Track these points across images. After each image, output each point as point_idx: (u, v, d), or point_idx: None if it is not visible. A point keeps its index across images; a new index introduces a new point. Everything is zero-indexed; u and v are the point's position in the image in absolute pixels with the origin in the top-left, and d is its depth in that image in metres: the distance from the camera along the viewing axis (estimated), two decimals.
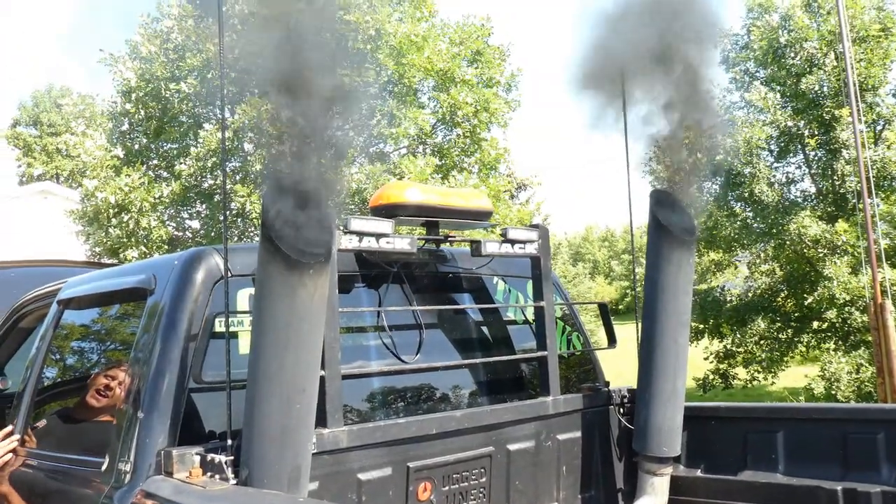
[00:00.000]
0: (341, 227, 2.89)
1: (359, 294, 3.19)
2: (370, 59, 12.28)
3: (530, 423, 3.39)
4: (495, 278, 3.68)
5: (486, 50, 14.59)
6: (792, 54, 16.10)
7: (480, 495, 3.22)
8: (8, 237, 19.86)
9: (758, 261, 18.22)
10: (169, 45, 12.53)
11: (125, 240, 12.63)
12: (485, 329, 3.65)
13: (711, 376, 17.96)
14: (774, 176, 16.95)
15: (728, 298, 17.38)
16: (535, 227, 3.52)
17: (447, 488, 3.10)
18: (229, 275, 2.61)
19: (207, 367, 2.59)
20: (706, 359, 18.14)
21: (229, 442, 2.41)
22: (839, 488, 3.10)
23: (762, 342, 17.14)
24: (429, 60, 12.62)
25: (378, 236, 2.97)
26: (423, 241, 3.32)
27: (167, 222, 13.19)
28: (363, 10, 12.06)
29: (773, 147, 16.86)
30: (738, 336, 17.11)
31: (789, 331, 17.09)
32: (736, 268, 18.49)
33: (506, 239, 3.40)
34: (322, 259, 2.27)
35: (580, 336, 3.96)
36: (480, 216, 3.43)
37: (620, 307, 55.38)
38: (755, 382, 17.74)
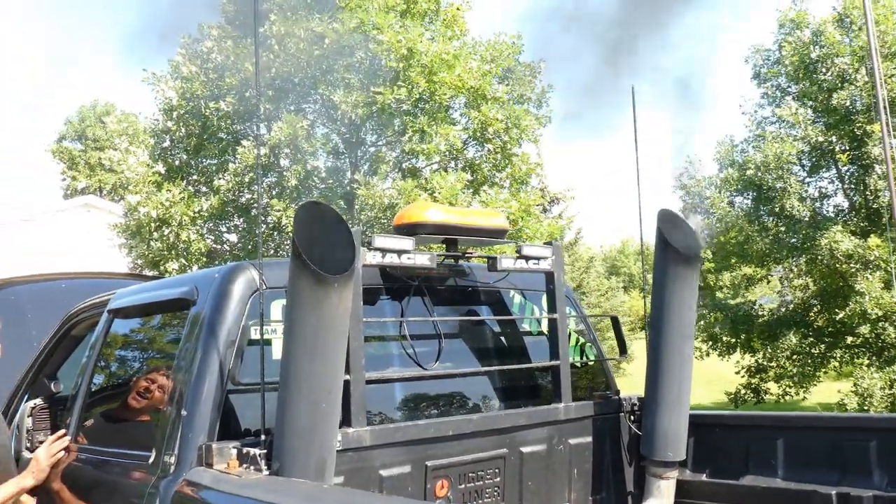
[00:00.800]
0: (366, 245, 3.15)
1: (383, 305, 3.45)
2: (402, 77, 12.59)
3: (542, 427, 3.61)
4: (511, 291, 3.92)
5: (516, 67, 14.83)
6: (823, 70, 16.14)
7: (495, 494, 3.44)
8: (54, 249, 20.56)
9: (791, 275, 18.19)
10: (209, 65, 12.98)
11: (166, 252, 13.08)
12: (501, 339, 3.89)
13: (743, 391, 17.95)
14: (806, 191, 16.96)
15: (760, 313, 17.36)
16: (549, 244, 3.76)
17: (463, 486, 3.33)
18: (264, 287, 2.89)
19: (244, 370, 2.87)
20: (737, 373, 18.12)
21: (263, 437, 2.68)
22: (834, 493, 3.28)
23: (794, 357, 17.10)
24: (459, 78, 12.90)
25: (400, 252, 3.23)
26: (443, 257, 3.57)
27: (206, 235, 13.61)
28: (396, 31, 12.39)
29: (804, 162, 16.87)
30: (770, 351, 17.08)
31: (822, 346, 17.03)
32: (769, 282, 18.45)
33: (520, 255, 3.64)
34: (346, 275, 2.54)
35: (593, 347, 4.18)
36: (497, 234, 3.67)
37: None
38: (787, 397, 17.68)
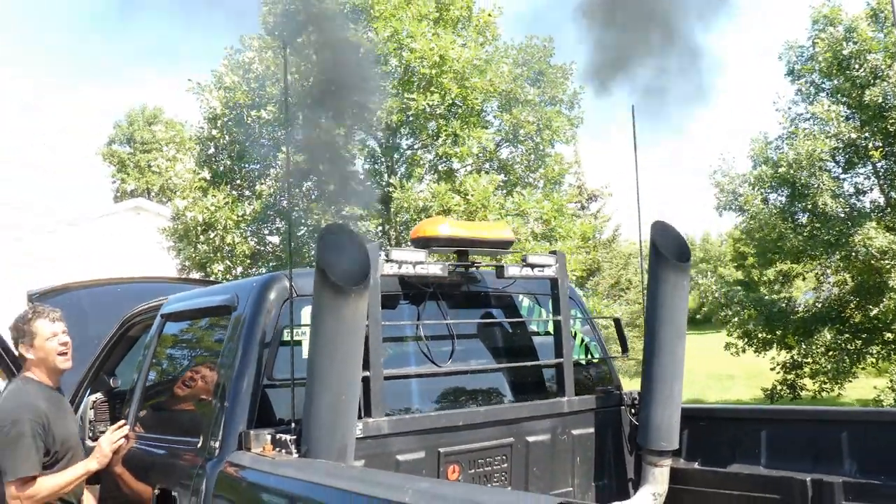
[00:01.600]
0: (384, 256, 3.57)
1: (402, 309, 3.87)
2: (435, 83, 13.00)
3: (546, 419, 4.00)
4: (520, 295, 4.31)
5: (548, 70, 15.10)
6: (856, 66, 16.15)
7: (503, 478, 3.84)
8: (106, 251, 21.44)
9: (828, 271, 18.19)
10: (250, 75, 13.53)
11: (212, 255, 13.68)
12: (509, 339, 4.28)
13: (779, 387, 18.02)
14: (841, 188, 16.96)
15: (794, 309, 17.41)
16: (553, 253, 4.15)
17: (473, 471, 3.74)
18: (295, 295, 3.33)
19: (277, 367, 3.31)
20: (772, 369, 18.20)
21: (293, 425, 3.12)
22: (808, 479, 3.61)
23: (829, 353, 17.13)
24: (491, 83, 13.26)
25: (414, 263, 3.65)
26: (454, 267, 3.98)
27: (249, 238, 14.19)
28: (428, 38, 12.80)
29: (839, 159, 16.88)
30: (804, 347, 17.14)
31: (857, 342, 17.03)
32: (804, 279, 18.45)
33: (526, 263, 4.03)
34: (360, 286, 2.97)
35: (597, 346, 4.55)
36: (502, 245, 4.08)
37: (698, 317, 54.61)
38: (823, 394, 17.72)
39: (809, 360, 17.58)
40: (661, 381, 4.00)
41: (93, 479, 4.02)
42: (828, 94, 16.94)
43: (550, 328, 4.27)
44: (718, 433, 4.12)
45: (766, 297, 17.98)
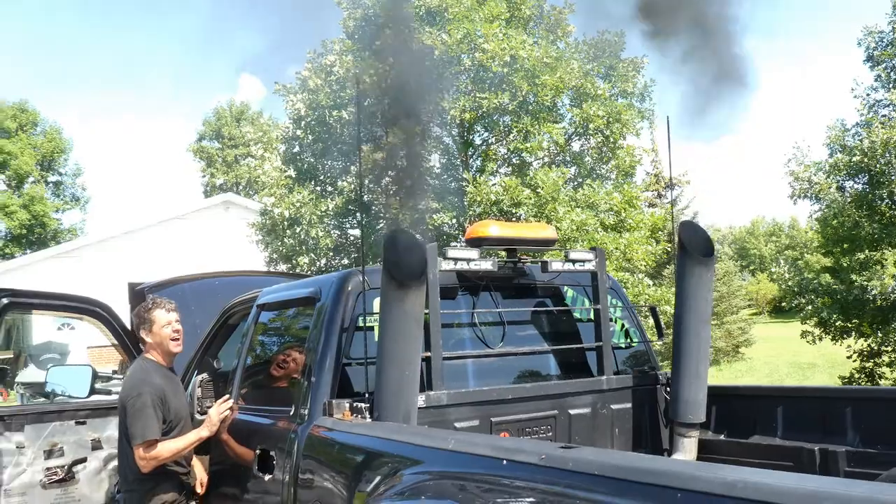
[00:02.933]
0: (442, 255, 4.21)
1: (459, 300, 4.51)
2: (506, 81, 13.55)
3: (587, 395, 4.58)
4: (565, 286, 4.89)
5: (618, 64, 15.42)
6: None
7: None
8: (199, 244, 22.84)
9: None
10: (332, 78, 14.35)
11: (297, 248, 14.61)
12: (553, 324, 4.87)
13: (857, 375, 17.92)
14: None
15: (867, 297, 17.27)
16: (593, 249, 4.71)
17: (521, 437, 4.34)
18: (367, 288, 4.01)
19: (353, 349, 3.99)
20: (849, 357, 18.11)
21: (367, 395, 3.80)
22: (816, 448, 4.10)
23: None
24: (560, 80, 13.70)
25: (468, 260, 4.28)
26: (504, 263, 4.59)
27: (332, 231, 15.06)
28: (499, 39, 13.34)
29: None
30: (881, 335, 17.02)
31: None
32: (883, 266, 18.21)
33: (567, 259, 4.61)
34: (418, 281, 3.62)
35: (636, 331, 5.09)
36: (546, 243, 4.67)
37: (783, 304, 53.42)
38: None
39: (889, 348, 17.43)
40: (689, 362, 4.53)
41: (201, 448, 4.77)
42: None
43: (592, 315, 4.84)
44: (742, 409, 4.63)
45: (839, 287, 17.80)
